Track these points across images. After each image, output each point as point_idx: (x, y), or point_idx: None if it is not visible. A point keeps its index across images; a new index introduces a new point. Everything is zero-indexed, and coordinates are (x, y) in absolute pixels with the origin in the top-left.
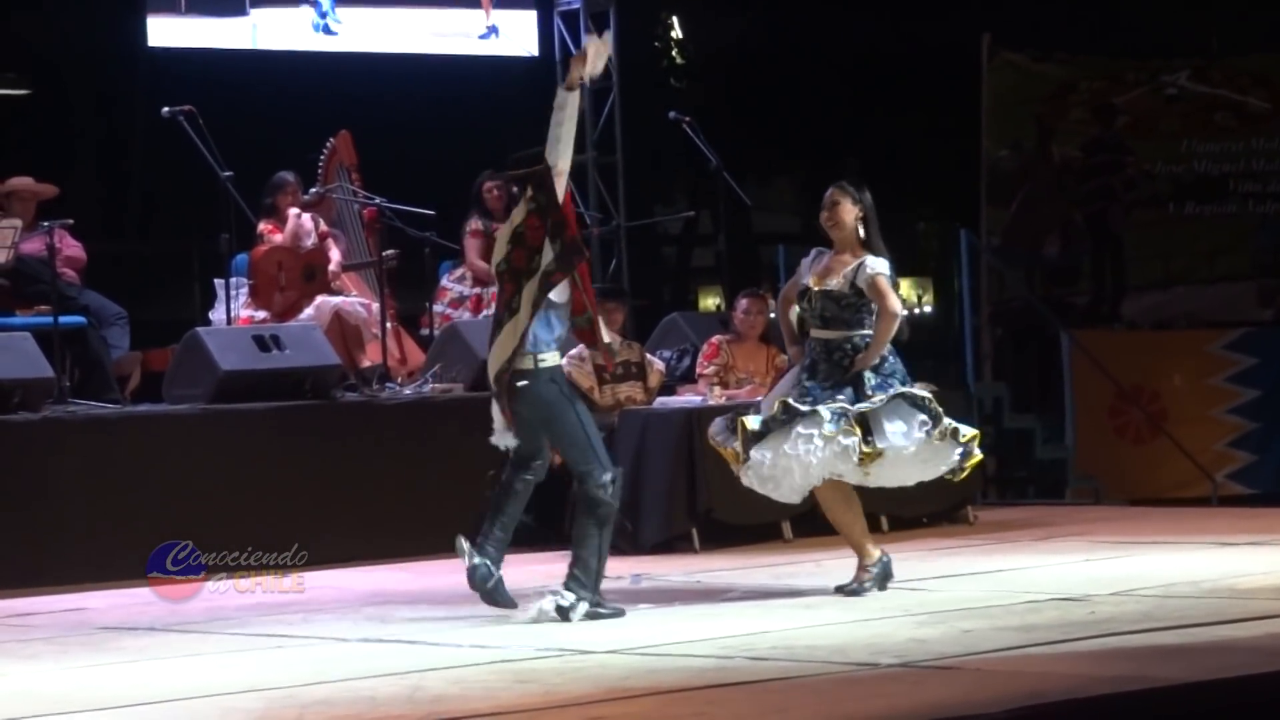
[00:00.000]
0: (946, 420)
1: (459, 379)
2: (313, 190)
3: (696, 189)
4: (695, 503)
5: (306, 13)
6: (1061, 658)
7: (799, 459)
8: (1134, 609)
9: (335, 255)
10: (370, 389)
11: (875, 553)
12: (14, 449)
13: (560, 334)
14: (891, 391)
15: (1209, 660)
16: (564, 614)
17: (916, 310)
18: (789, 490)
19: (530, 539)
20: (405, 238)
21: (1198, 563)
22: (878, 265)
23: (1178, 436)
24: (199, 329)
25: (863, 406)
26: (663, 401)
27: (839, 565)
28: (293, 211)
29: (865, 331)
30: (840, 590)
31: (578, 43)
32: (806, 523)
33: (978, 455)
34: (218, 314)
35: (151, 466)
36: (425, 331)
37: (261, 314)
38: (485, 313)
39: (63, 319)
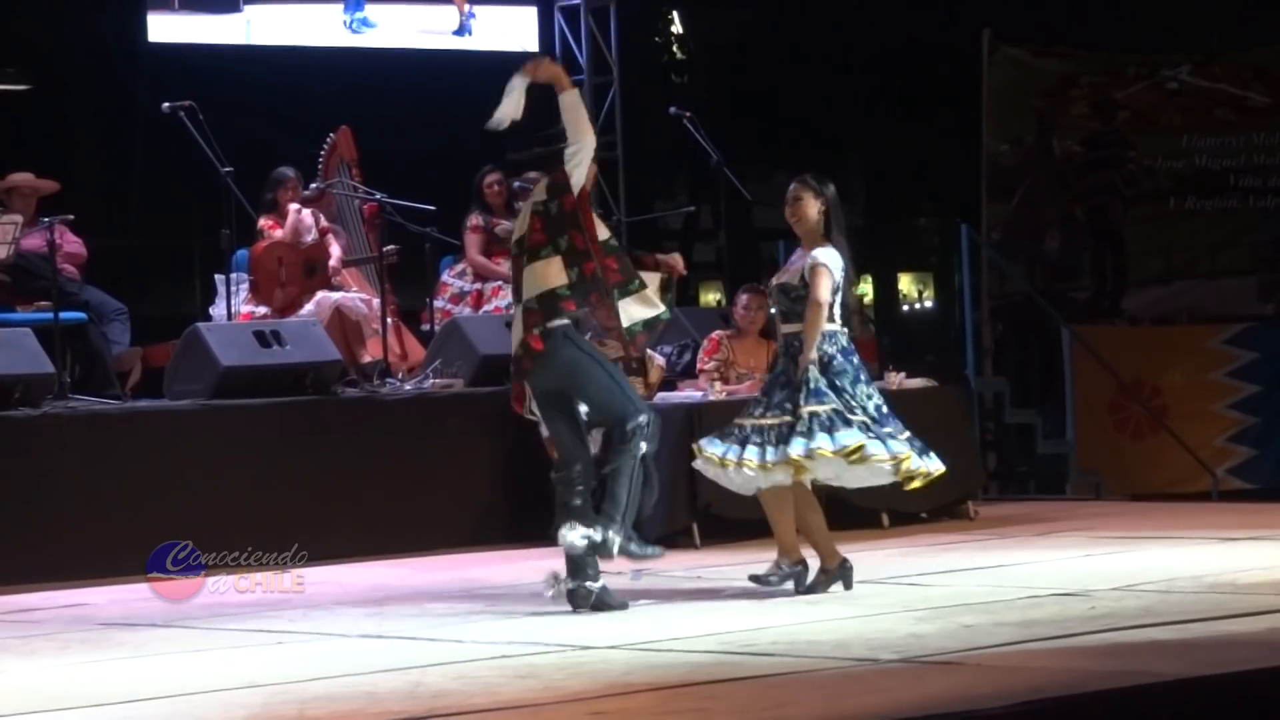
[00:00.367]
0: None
1: (460, 374)
2: (313, 186)
3: (697, 184)
4: (696, 498)
5: (302, 9)
6: (1062, 653)
7: (738, 476)
8: (1134, 604)
9: (336, 251)
10: (371, 385)
11: (839, 556)
12: (14, 445)
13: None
14: (819, 407)
15: (1210, 655)
16: (595, 548)
17: (917, 305)
18: (739, 488)
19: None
20: (406, 233)
21: (1198, 558)
22: (821, 255)
23: (1178, 431)
24: (199, 325)
25: (789, 419)
26: (663, 397)
27: None
28: (293, 207)
29: (826, 325)
30: (799, 590)
31: (578, 37)
32: None
33: (920, 470)
34: (218, 309)
35: (152, 462)
36: (426, 327)
37: (262, 309)
38: (486, 308)
39: (63, 315)
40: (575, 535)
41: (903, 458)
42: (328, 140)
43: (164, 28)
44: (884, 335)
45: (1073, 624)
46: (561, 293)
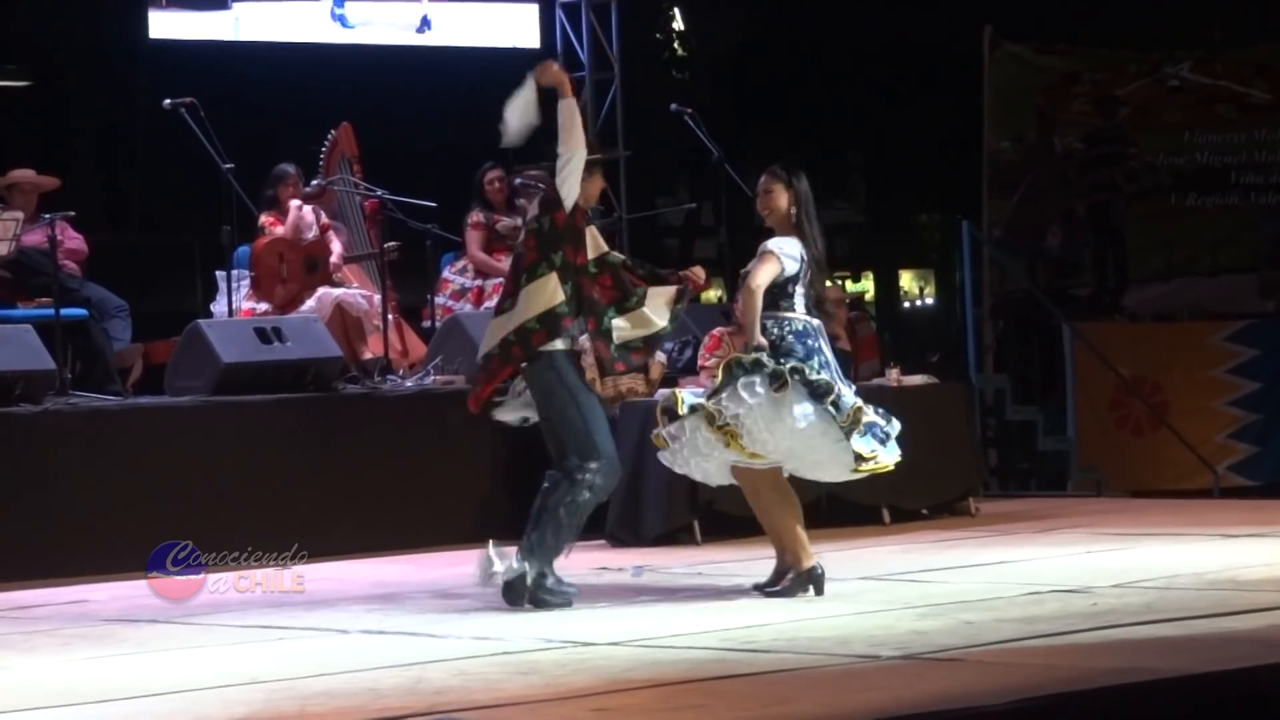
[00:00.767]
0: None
1: (460, 371)
2: (314, 182)
3: (698, 181)
4: (697, 495)
5: (296, 6)
6: (1063, 650)
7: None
8: (1136, 601)
9: (337, 247)
10: (372, 381)
11: (811, 560)
12: (15, 441)
13: (575, 324)
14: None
15: (1211, 652)
16: (510, 580)
17: (919, 302)
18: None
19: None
20: (407, 230)
21: (1199, 555)
22: (772, 243)
23: (1179, 428)
24: (200, 321)
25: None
26: (664, 394)
27: (840, 558)
28: (294, 203)
29: (783, 313)
30: (760, 589)
31: (579, 35)
32: (807, 515)
33: (876, 462)
34: (219, 306)
35: (153, 459)
36: (427, 323)
37: (263, 306)
38: (487, 304)
39: (64, 311)
40: (508, 563)
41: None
42: (329, 137)
43: (165, 24)
44: (885, 332)
45: (1074, 621)
46: (560, 310)
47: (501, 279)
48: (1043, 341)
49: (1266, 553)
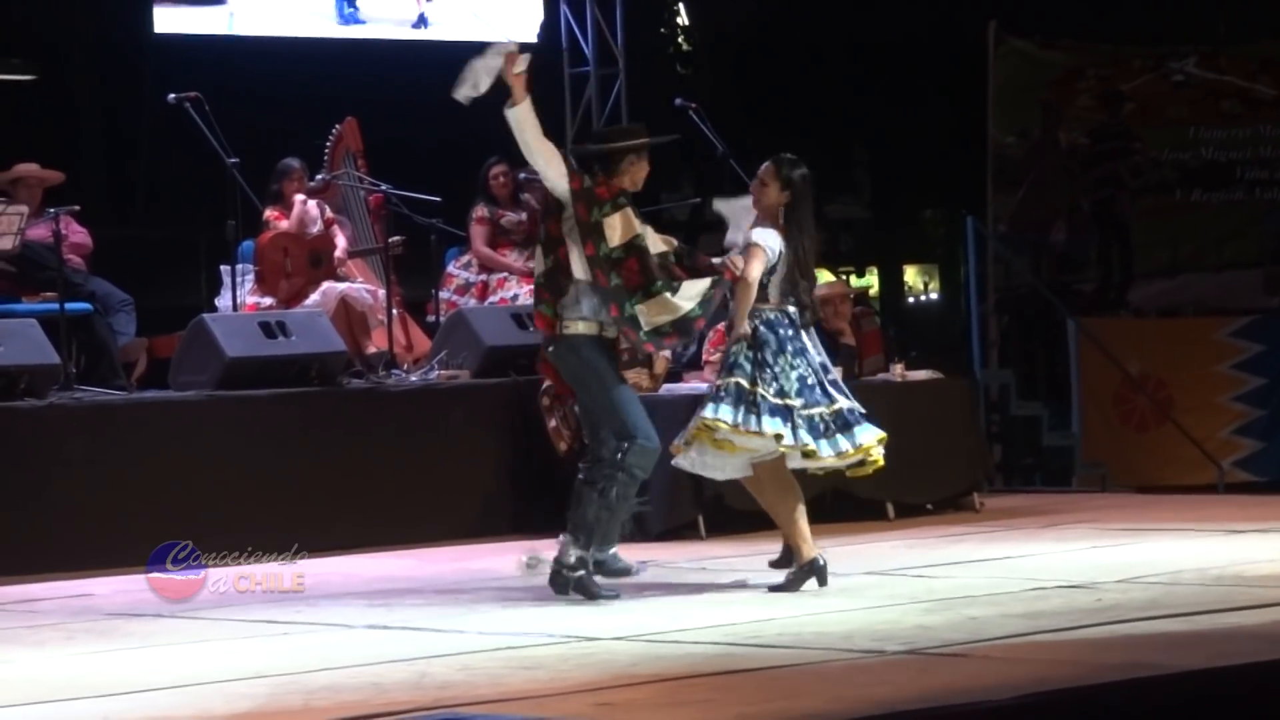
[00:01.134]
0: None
1: (465, 366)
2: (319, 177)
3: (703, 176)
4: (702, 490)
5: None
6: (1068, 645)
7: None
8: (1140, 596)
9: (341, 242)
10: (376, 376)
11: (813, 552)
12: (20, 436)
13: (595, 308)
14: (728, 379)
15: (1216, 647)
16: (557, 564)
17: (923, 297)
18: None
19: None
20: (411, 224)
21: (1204, 550)
22: (755, 235)
23: (1184, 424)
24: (205, 315)
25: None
26: (669, 388)
27: (844, 553)
28: (299, 198)
29: (756, 304)
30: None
31: (584, 29)
32: (811, 510)
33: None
34: (224, 300)
35: (157, 453)
36: (431, 318)
37: (267, 300)
38: (491, 299)
39: (69, 305)
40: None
41: (805, 447)
42: (333, 131)
43: (169, 19)
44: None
45: (1079, 616)
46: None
47: (505, 274)
48: (1047, 337)
49: (1271, 548)
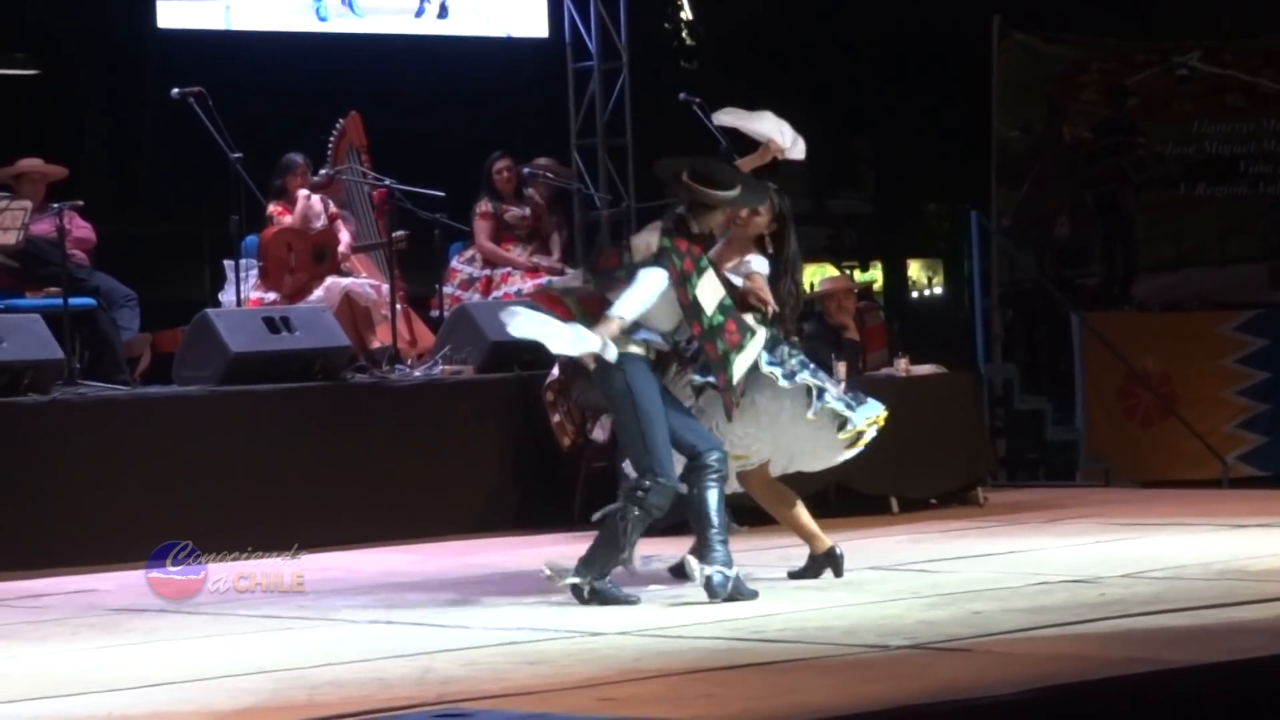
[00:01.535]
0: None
1: (469, 361)
2: (322, 172)
3: None
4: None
5: None
6: (1071, 639)
7: None
8: (1144, 591)
9: (345, 237)
10: (380, 371)
11: (826, 543)
12: (24, 430)
13: (646, 334)
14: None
15: (1219, 642)
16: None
17: (927, 292)
18: None
19: (538, 522)
20: (415, 219)
21: (1208, 545)
22: (754, 265)
23: (1188, 418)
24: (208, 310)
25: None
26: None
27: (848, 547)
28: (302, 193)
29: None
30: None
31: (587, 24)
32: (816, 504)
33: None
34: (227, 296)
35: (161, 449)
36: (435, 313)
37: (271, 295)
38: (495, 294)
39: (72, 301)
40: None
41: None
42: (337, 126)
43: (173, 14)
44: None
45: (1082, 611)
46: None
47: (509, 268)
48: (1051, 331)
49: (1275, 543)
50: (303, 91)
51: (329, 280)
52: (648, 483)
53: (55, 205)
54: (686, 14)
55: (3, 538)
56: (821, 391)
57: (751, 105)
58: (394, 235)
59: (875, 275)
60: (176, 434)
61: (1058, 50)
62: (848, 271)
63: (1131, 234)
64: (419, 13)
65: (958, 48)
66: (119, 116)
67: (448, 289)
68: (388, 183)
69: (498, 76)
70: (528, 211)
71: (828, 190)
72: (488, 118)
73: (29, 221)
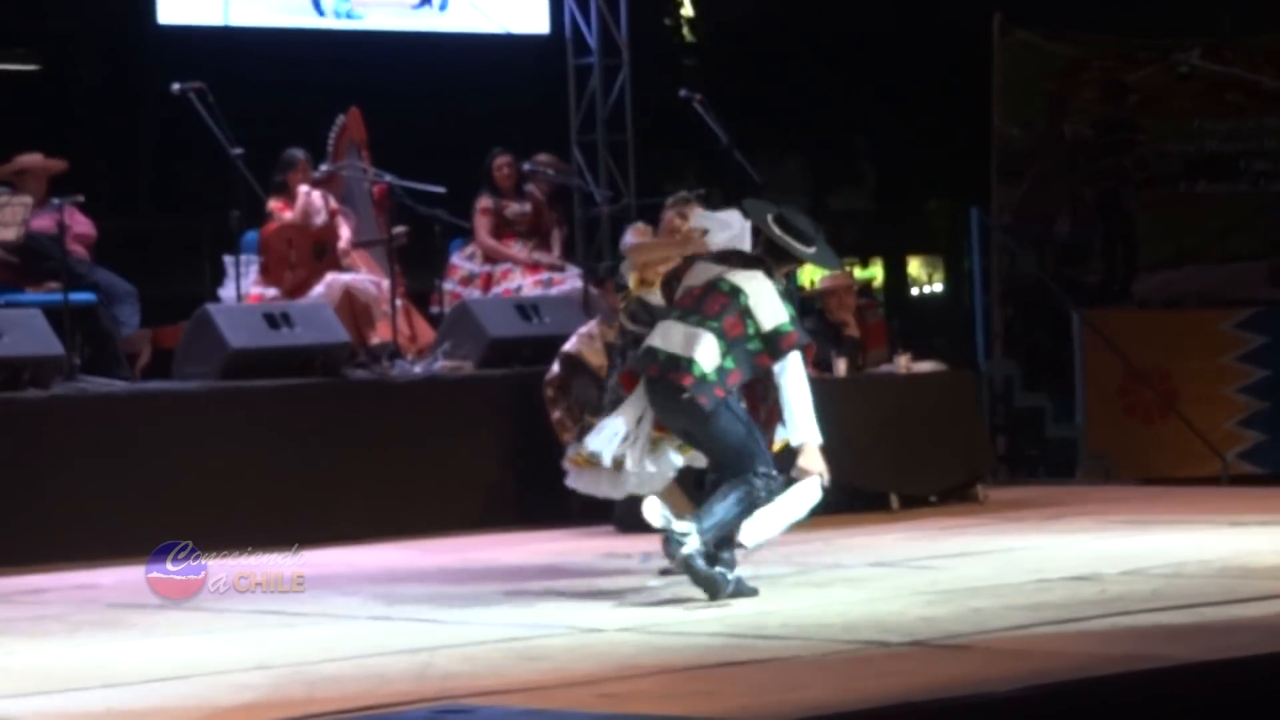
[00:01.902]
0: None
1: (469, 357)
2: (323, 167)
3: (707, 167)
4: (703, 481)
5: None
6: (1071, 636)
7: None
8: (1144, 588)
9: (345, 233)
10: (380, 366)
11: None
12: (24, 426)
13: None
14: None
15: (1219, 639)
16: (669, 533)
17: (927, 289)
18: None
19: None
20: (415, 215)
21: (1208, 542)
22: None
23: (1188, 416)
24: (209, 306)
25: None
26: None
27: (848, 544)
28: (303, 189)
29: None
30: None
31: (588, 20)
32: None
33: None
34: (228, 291)
35: (161, 444)
36: (435, 309)
37: (271, 291)
38: (495, 290)
39: (73, 296)
40: (655, 510)
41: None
42: (337, 122)
43: (173, 9)
44: (894, 319)
45: (1082, 608)
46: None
47: (509, 264)
48: (1052, 328)
49: (1275, 540)
50: (303, 87)
51: (329, 276)
52: (764, 470)
53: (56, 200)
54: (687, 10)
55: (2, 533)
56: None
57: (752, 105)
58: (394, 231)
59: (876, 272)
60: (176, 429)
61: (1058, 48)
62: (848, 268)
63: (1132, 231)
64: (418, 5)
65: (959, 45)
66: (120, 112)
67: (448, 285)
68: (388, 178)
69: (498, 72)
70: (528, 207)
71: (828, 187)
72: (488, 113)
73: (29, 217)
